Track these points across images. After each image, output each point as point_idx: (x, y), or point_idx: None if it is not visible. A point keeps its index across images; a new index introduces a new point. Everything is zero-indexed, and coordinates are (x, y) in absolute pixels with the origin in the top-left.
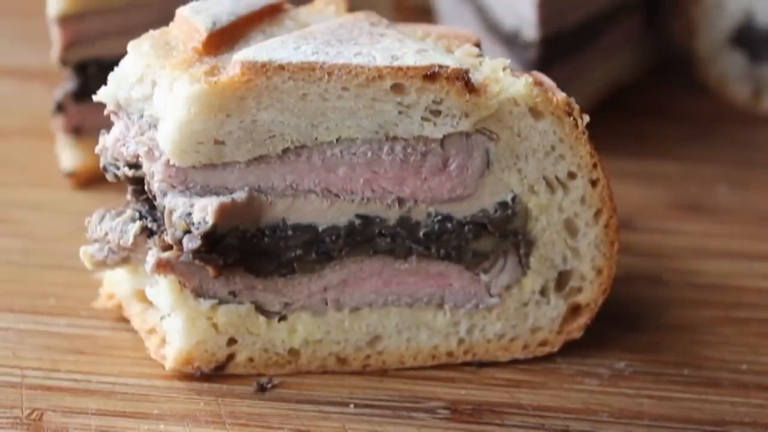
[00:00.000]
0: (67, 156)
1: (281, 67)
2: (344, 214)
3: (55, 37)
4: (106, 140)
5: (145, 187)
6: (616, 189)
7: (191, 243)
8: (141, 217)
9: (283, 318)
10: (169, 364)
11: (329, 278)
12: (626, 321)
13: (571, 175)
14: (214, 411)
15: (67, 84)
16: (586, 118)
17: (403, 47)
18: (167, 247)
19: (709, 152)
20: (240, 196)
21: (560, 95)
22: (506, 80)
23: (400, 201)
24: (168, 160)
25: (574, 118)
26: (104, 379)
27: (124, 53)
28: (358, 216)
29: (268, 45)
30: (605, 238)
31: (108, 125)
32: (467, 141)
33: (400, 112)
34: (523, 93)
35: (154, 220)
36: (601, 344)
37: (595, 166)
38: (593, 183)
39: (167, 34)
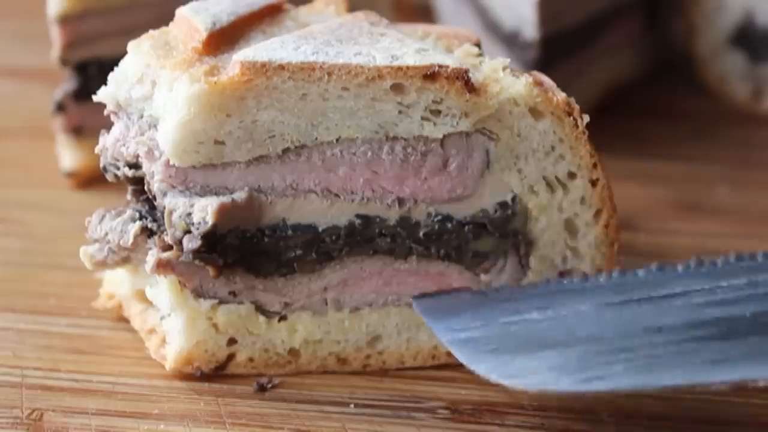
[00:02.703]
0: (67, 156)
1: (281, 67)
2: (344, 214)
3: (55, 37)
4: (106, 140)
5: (145, 187)
6: (616, 189)
7: (191, 243)
8: (141, 217)
9: (283, 318)
10: (169, 364)
11: (329, 278)
12: None
13: (571, 175)
14: (214, 411)
15: (67, 84)
16: (586, 118)
17: (403, 47)
18: (167, 248)
19: (709, 152)
20: (240, 196)
21: (560, 95)
22: (506, 80)
23: (400, 201)
24: (168, 160)
25: (574, 118)
26: (104, 379)
27: (124, 53)
28: (358, 216)
29: (268, 45)
30: (605, 238)
31: (108, 125)
32: (467, 141)
33: (400, 112)
34: (523, 93)
35: (154, 220)
36: None
37: (595, 166)
38: (593, 183)
39: (167, 34)
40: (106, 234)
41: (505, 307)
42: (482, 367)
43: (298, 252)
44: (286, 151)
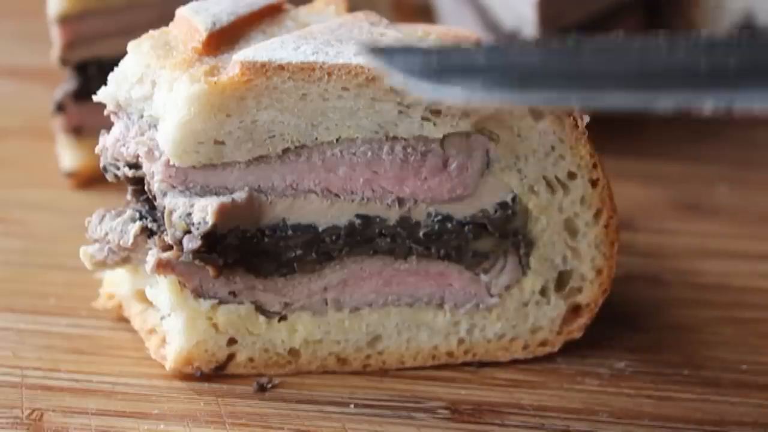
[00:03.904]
0: (67, 156)
1: (281, 67)
2: (344, 214)
3: (55, 37)
4: (106, 140)
5: (145, 187)
6: (616, 189)
7: (191, 243)
8: (141, 218)
9: (283, 318)
10: (169, 364)
11: (329, 278)
12: (626, 321)
13: (571, 176)
14: (214, 411)
15: (67, 84)
16: (586, 118)
17: None
18: (167, 248)
19: (709, 152)
20: (240, 196)
21: None
22: None
23: (400, 201)
24: (168, 160)
25: (574, 118)
26: (104, 379)
27: (124, 53)
28: (358, 216)
29: (268, 45)
30: (605, 238)
31: (108, 125)
32: (467, 141)
33: (400, 112)
34: None
35: (154, 220)
36: (601, 344)
37: (595, 166)
38: (593, 183)
39: (167, 34)
40: (106, 234)
41: (452, 50)
42: (410, 84)
43: (298, 252)
44: (286, 151)
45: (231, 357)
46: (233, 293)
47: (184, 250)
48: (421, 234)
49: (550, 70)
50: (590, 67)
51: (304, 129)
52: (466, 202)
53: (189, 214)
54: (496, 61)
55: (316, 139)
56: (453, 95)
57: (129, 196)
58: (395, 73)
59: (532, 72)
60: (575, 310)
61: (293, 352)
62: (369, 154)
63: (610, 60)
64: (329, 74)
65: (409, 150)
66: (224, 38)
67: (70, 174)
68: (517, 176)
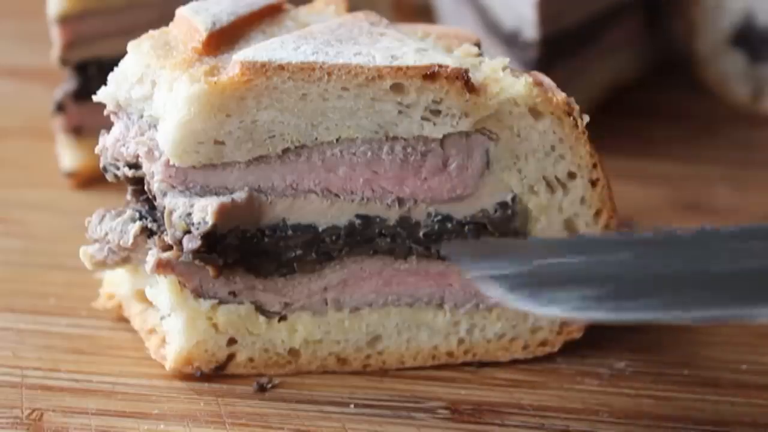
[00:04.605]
0: (67, 156)
1: (281, 67)
2: (344, 214)
3: (55, 37)
4: (106, 140)
5: (145, 187)
6: (616, 189)
7: (191, 243)
8: (141, 218)
9: (283, 318)
10: (170, 364)
11: (329, 278)
12: None
13: (571, 175)
14: (214, 411)
15: (67, 84)
16: (586, 118)
17: (403, 47)
18: (167, 248)
19: (709, 152)
20: (240, 196)
21: (560, 95)
22: (506, 80)
23: (400, 201)
24: (168, 160)
25: (574, 118)
26: (104, 379)
27: (124, 53)
28: (358, 216)
29: (268, 45)
30: None
31: (108, 125)
32: (467, 141)
33: (400, 112)
34: (523, 93)
35: (154, 220)
36: (601, 344)
37: (595, 166)
38: (593, 183)
39: (167, 34)
40: (106, 234)
41: (539, 252)
42: (510, 298)
43: (298, 252)
44: (286, 151)
45: (231, 357)
46: (233, 293)
47: (184, 250)
48: (421, 234)
49: (645, 276)
50: (682, 269)
51: (304, 129)
52: (466, 202)
53: (189, 214)
54: (591, 270)
55: (316, 139)
56: (552, 314)
57: (129, 196)
58: (491, 287)
59: (630, 281)
60: None
61: (293, 352)
62: (369, 154)
63: (705, 259)
64: (329, 74)
65: (409, 150)
66: (224, 38)
67: (70, 174)
68: (517, 176)
